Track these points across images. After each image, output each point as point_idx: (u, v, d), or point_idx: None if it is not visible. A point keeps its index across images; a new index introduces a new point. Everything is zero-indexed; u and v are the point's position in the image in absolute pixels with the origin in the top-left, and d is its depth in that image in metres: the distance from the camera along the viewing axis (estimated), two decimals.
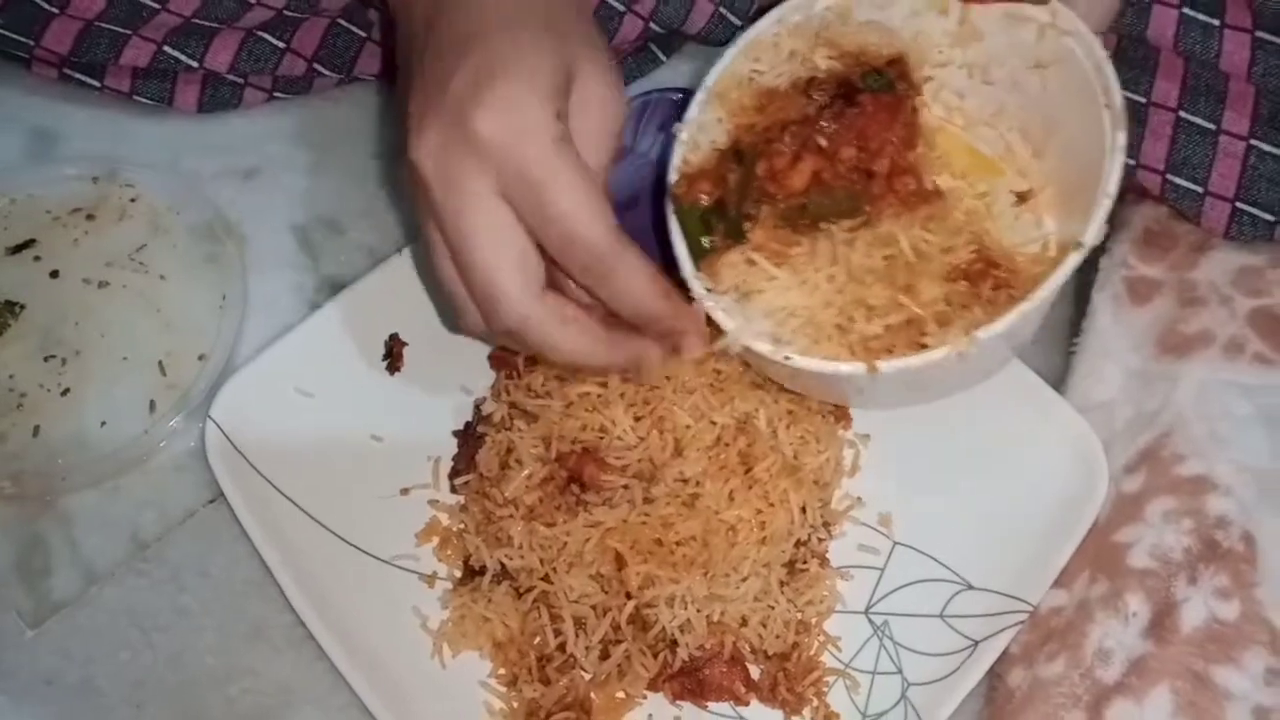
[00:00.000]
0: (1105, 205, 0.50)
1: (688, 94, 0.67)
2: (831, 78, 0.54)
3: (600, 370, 0.54)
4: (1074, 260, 0.49)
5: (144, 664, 0.58)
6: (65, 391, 0.62)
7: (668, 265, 0.53)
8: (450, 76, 0.46)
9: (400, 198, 0.69)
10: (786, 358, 0.50)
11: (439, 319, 0.64)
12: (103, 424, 0.62)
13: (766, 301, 0.52)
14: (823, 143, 0.53)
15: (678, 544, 0.55)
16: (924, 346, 0.49)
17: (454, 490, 0.61)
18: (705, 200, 0.54)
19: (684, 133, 0.55)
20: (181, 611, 0.59)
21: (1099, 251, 0.66)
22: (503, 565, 0.57)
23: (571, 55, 0.48)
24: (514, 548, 0.57)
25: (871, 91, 0.54)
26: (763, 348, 0.50)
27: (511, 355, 0.62)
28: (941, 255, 0.51)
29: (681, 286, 0.52)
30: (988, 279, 0.51)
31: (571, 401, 0.58)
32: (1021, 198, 0.55)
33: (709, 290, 0.52)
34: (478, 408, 0.62)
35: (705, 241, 0.53)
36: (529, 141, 0.45)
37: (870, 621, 0.59)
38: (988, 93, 0.57)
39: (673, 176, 0.54)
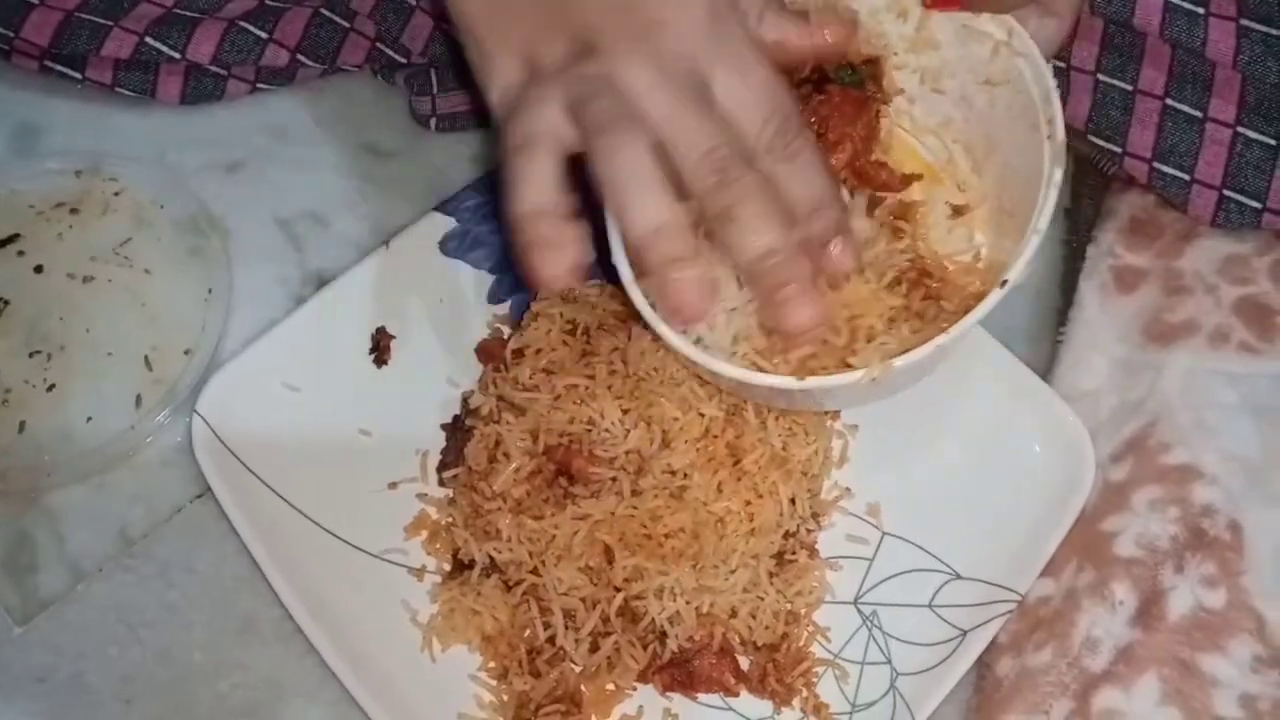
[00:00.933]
0: (1033, 242, 0.49)
1: None
2: (806, 64, 0.54)
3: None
4: (995, 298, 0.49)
5: (133, 660, 0.58)
6: (51, 387, 0.62)
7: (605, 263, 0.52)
8: None
9: (382, 192, 0.68)
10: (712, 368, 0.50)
11: (423, 308, 0.64)
12: (89, 419, 0.61)
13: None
14: None
15: (666, 536, 0.55)
16: (849, 366, 0.50)
17: (442, 484, 0.61)
18: None
19: None
20: (170, 607, 0.59)
21: (1086, 240, 0.66)
22: (491, 559, 0.57)
23: None
24: (502, 541, 0.57)
25: (841, 84, 0.54)
26: (688, 350, 0.50)
27: (499, 348, 0.62)
28: (887, 261, 0.52)
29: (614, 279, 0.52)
30: (920, 288, 0.51)
31: (559, 394, 0.58)
32: (957, 210, 0.56)
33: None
34: (465, 401, 0.62)
35: None
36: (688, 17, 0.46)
37: (859, 612, 0.59)
38: (936, 102, 0.57)
39: None
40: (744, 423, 0.57)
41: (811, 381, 0.49)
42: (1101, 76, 0.63)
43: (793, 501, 0.57)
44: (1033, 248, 0.49)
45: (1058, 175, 0.50)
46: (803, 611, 0.58)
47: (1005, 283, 0.49)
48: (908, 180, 0.56)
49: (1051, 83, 0.52)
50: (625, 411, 0.57)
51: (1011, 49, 0.53)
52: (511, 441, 0.58)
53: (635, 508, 0.55)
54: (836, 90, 0.53)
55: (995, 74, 0.54)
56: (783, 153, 0.48)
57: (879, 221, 0.54)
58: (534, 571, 0.56)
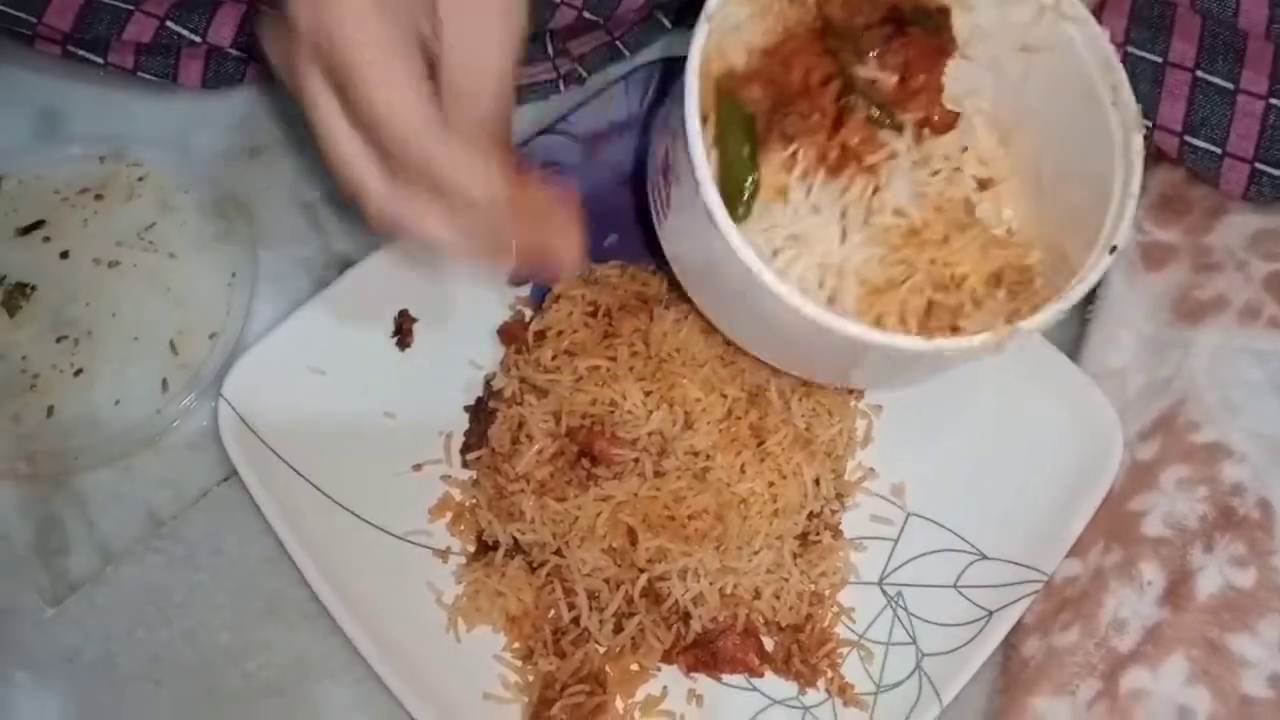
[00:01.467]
0: (1130, 206, 0.48)
1: None
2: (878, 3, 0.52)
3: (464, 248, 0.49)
4: (1106, 262, 0.48)
5: (161, 641, 0.59)
6: (78, 372, 0.62)
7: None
8: None
9: None
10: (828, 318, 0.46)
11: (445, 291, 0.64)
12: (116, 403, 0.62)
13: (812, 251, 0.50)
14: (865, 67, 0.50)
15: (690, 518, 0.55)
16: (956, 330, 0.48)
17: (466, 465, 0.61)
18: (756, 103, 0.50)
19: (712, 20, 0.49)
20: (197, 589, 0.60)
21: None
22: (515, 540, 0.57)
23: None
24: (526, 522, 0.57)
25: (921, 29, 0.51)
26: (811, 309, 0.46)
27: (521, 330, 0.62)
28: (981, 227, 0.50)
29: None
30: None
31: (581, 376, 0.58)
32: (982, 184, 0.54)
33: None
34: (488, 383, 0.62)
35: (748, 177, 0.49)
36: (334, 19, 0.43)
37: (884, 592, 0.59)
38: (963, 68, 0.54)
39: (697, 60, 0.47)
40: (767, 404, 0.57)
41: (942, 342, 0.47)
42: (1131, 49, 0.62)
43: (817, 482, 0.57)
44: (1131, 211, 0.48)
45: (1137, 141, 0.49)
46: (827, 592, 0.58)
47: (1114, 249, 0.48)
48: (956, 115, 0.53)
49: (1109, 48, 0.50)
50: (647, 393, 0.57)
51: (1059, 13, 0.51)
52: (534, 423, 0.58)
53: (658, 489, 0.55)
54: (917, 33, 0.51)
55: (1036, 40, 0.52)
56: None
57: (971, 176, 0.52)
58: (558, 553, 0.57)
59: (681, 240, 0.53)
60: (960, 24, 0.53)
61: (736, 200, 0.50)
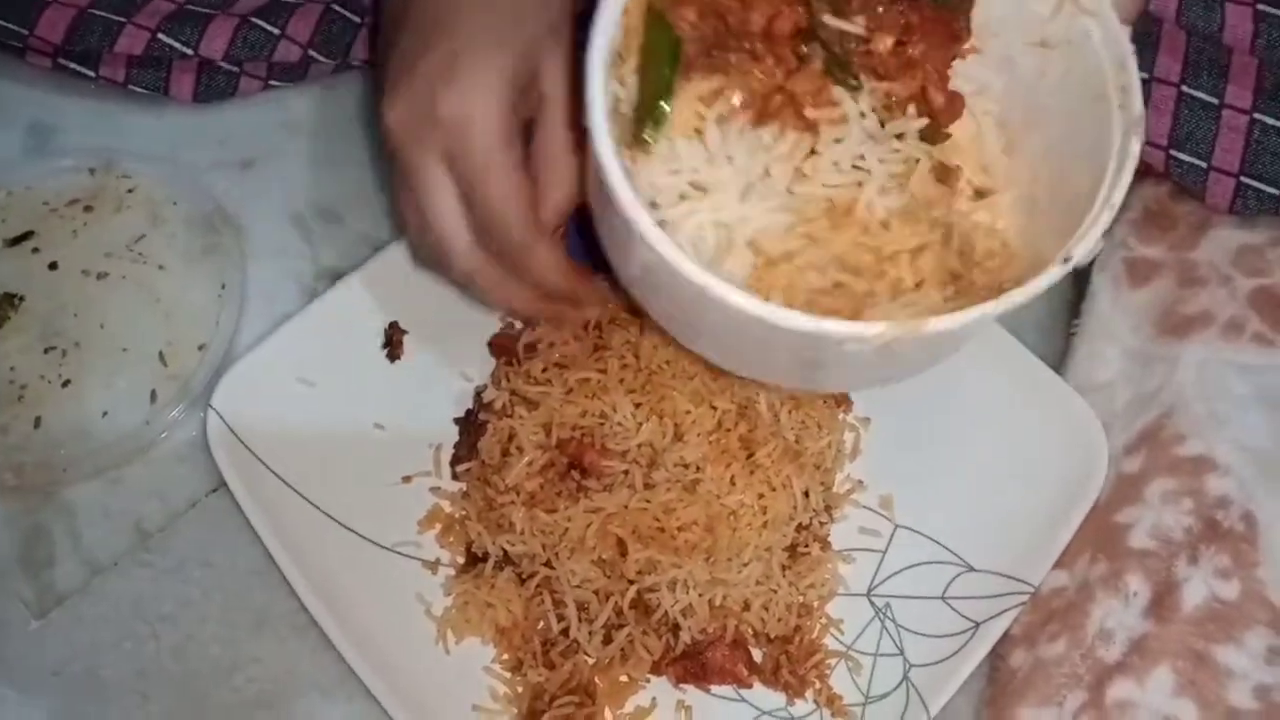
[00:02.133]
0: (1105, 219, 0.43)
1: None
2: None
3: (531, 318, 0.58)
4: (1055, 274, 0.42)
5: (148, 654, 0.58)
6: (66, 383, 0.62)
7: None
8: (422, 54, 0.49)
9: (390, 191, 0.68)
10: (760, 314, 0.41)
11: (435, 303, 0.64)
12: (104, 415, 0.62)
13: (710, 205, 0.44)
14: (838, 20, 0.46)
15: (679, 529, 0.55)
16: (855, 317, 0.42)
17: (455, 478, 0.61)
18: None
19: None
20: (185, 601, 0.59)
21: None
22: (504, 552, 0.57)
23: (536, 47, 0.50)
24: (516, 534, 0.57)
25: (936, 3, 0.47)
26: (736, 297, 0.40)
27: (511, 342, 0.62)
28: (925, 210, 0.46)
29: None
30: (950, 251, 0.46)
31: (571, 388, 0.58)
32: (979, 193, 0.49)
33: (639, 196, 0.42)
34: (479, 395, 0.62)
35: (659, 102, 0.44)
36: (476, 131, 0.48)
37: (872, 604, 0.59)
38: (972, 64, 0.49)
39: None
40: (756, 416, 0.57)
41: (828, 324, 0.40)
42: None
43: (806, 494, 0.57)
44: (1104, 224, 0.43)
45: (1135, 147, 0.44)
46: (815, 604, 0.58)
47: (1069, 259, 0.42)
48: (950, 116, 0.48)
49: (1128, 47, 0.45)
50: (637, 405, 0.57)
51: (1079, 6, 0.46)
52: (524, 435, 0.58)
53: (648, 500, 0.55)
54: (929, 6, 0.47)
55: (1053, 35, 0.47)
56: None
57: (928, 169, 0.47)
58: (547, 564, 0.57)
59: (595, 198, 0.49)
60: (975, 14, 0.48)
61: (643, 125, 0.44)
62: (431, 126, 0.48)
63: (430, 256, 0.53)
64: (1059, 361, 0.63)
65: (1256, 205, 0.62)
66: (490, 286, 0.53)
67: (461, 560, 0.60)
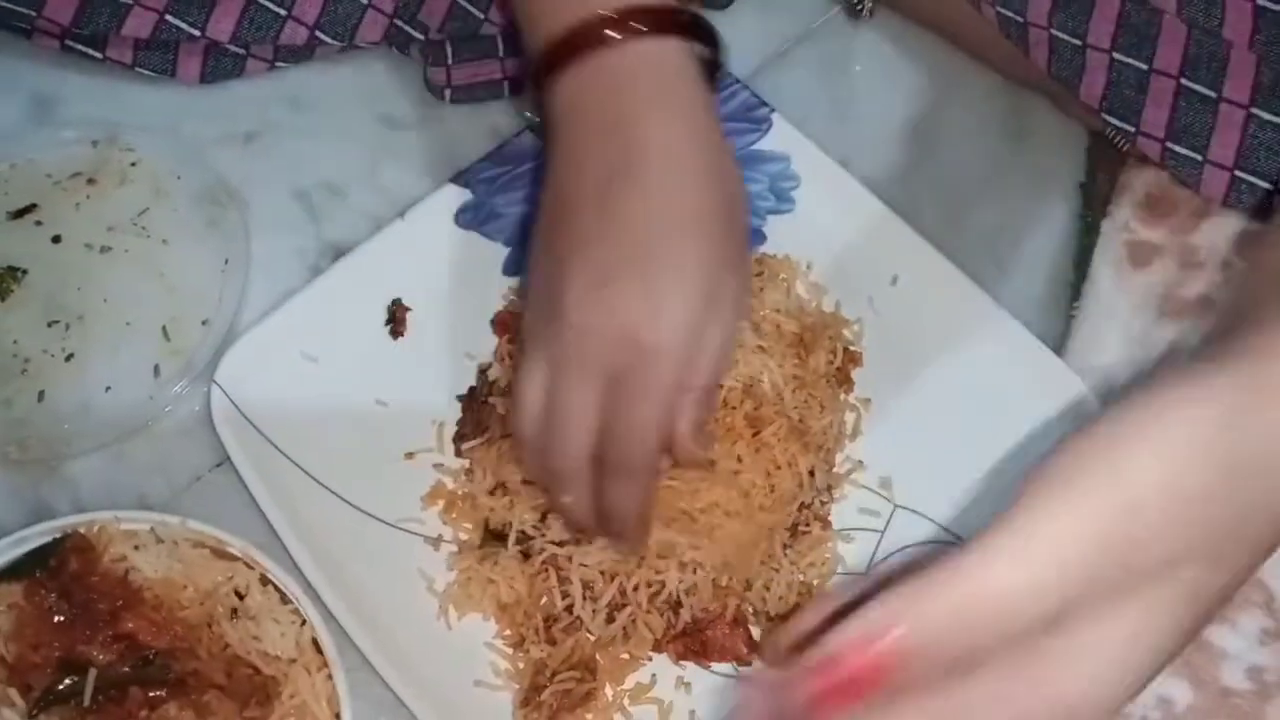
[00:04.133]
0: None
1: None
2: None
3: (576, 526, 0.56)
4: None
5: None
6: (69, 357, 0.62)
7: None
8: (629, 274, 0.49)
9: (398, 164, 0.69)
10: None
11: (438, 280, 0.64)
12: (107, 389, 0.62)
13: None
14: None
15: (701, 511, 0.56)
16: None
17: (459, 454, 0.61)
18: None
19: None
20: None
21: (1100, 215, 0.66)
22: (524, 531, 0.58)
23: (721, 274, 0.50)
24: (535, 513, 0.57)
25: None
26: None
27: (515, 319, 0.62)
28: None
29: None
30: None
31: None
32: None
33: None
34: (483, 373, 0.62)
35: None
36: (659, 370, 0.49)
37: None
38: None
39: None
40: (761, 395, 0.58)
41: None
42: (1117, 55, 0.63)
43: (811, 473, 0.58)
44: None
45: None
46: (815, 582, 0.59)
47: None
48: None
49: None
50: None
51: None
52: None
53: (674, 480, 0.56)
54: None
55: None
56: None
57: None
58: (558, 543, 0.57)
59: None
60: None
61: None
62: (616, 348, 0.49)
63: (517, 431, 0.53)
64: (1059, 343, 0.63)
65: (1250, 199, 0.63)
66: (571, 496, 0.53)
67: (464, 536, 0.60)
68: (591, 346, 0.49)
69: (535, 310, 0.52)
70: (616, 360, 0.49)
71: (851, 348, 0.63)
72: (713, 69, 0.54)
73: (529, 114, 0.56)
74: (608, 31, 0.51)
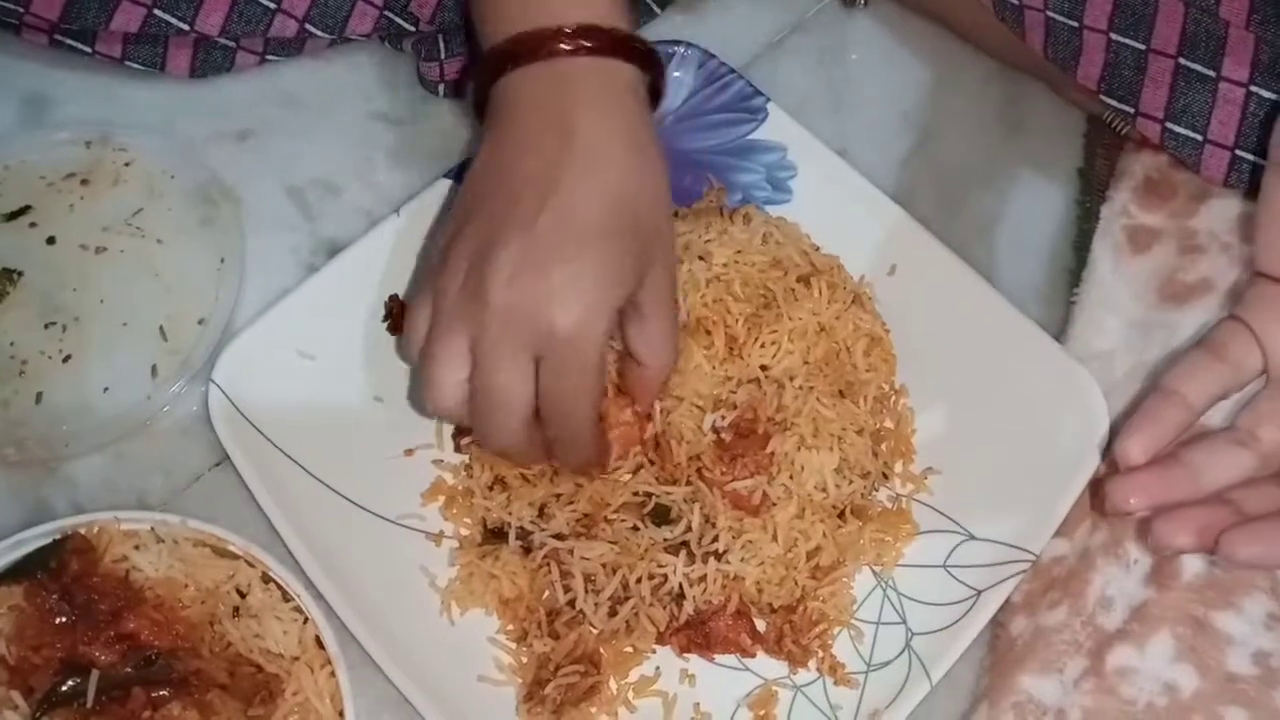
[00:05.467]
0: None
1: (682, 45, 0.68)
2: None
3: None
4: None
5: None
6: (67, 358, 0.62)
7: None
8: (557, 260, 0.51)
9: (392, 160, 0.69)
10: None
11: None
12: (105, 390, 0.62)
13: None
14: None
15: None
16: None
17: (458, 450, 0.61)
18: None
19: None
20: None
21: (1099, 200, 0.66)
22: (523, 528, 0.58)
23: (647, 265, 0.53)
24: (534, 509, 0.58)
25: None
26: None
27: None
28: None
29: None
30: None
31: None
32: None
33: None
34: None
35: None
36: (581, 350, 0.52)
37: (874, 573, 0.59)
38: None
39: None
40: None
41: None
42: (1114, 36, 0.63)
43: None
44: None
45: None
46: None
47: None
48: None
49: None
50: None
51: None
52: None
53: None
54: None
55: None
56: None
57: None
58: (558, 536, 0.57)
59: None
60: None
61: None
62: (540, 334, 0.51)
63: (440, 410, 0.54)
64: (1059, 330, 0.63)
65: (1251, 178, 0.63)
66: (515, 452, 0.55)
67: (465, 532, 0.60)
68: (517, 327, 0.51)
69: (450, 281, 0.53)
70: (539, 343, 0.51)
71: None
72: (655, 95, 0.58)
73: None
74: (561, 45, 0.54)
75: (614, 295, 0.52)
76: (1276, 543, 0.48)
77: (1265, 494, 0.51)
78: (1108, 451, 0.59)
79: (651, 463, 0.58)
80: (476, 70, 0.57)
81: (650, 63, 0.57)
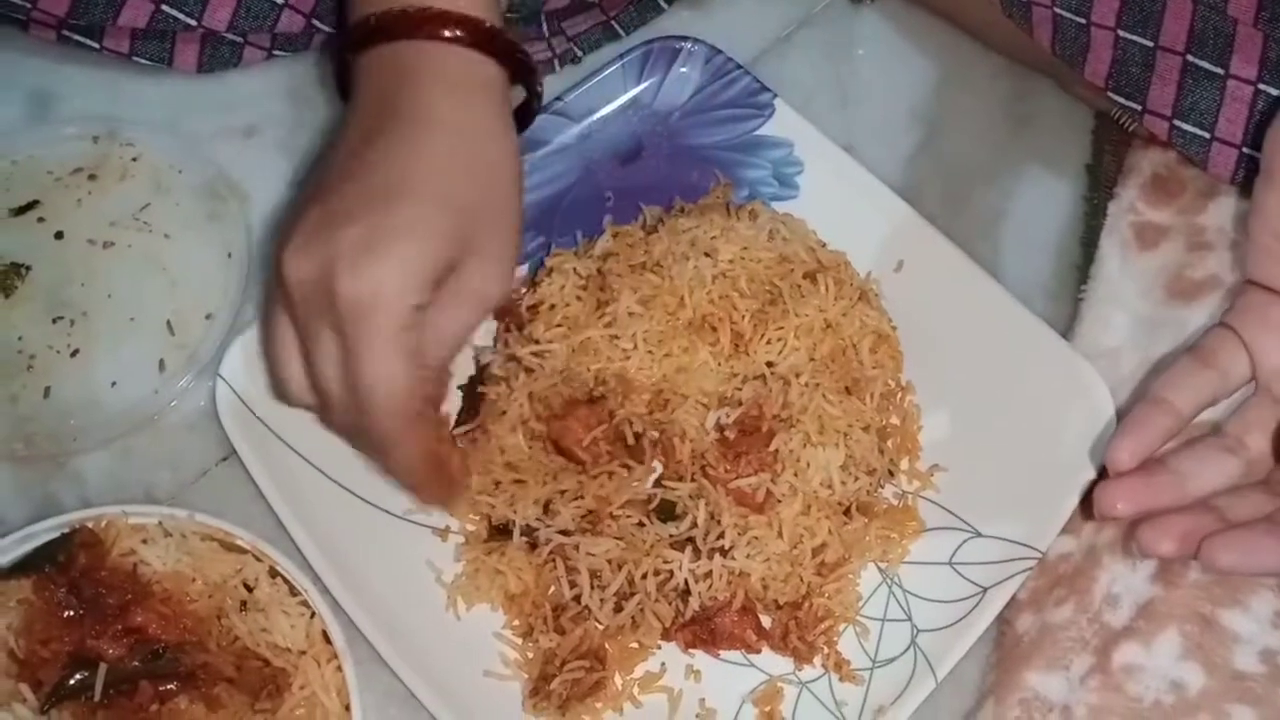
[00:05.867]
0: None
1: (689, 41, 0.68)
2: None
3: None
4: None
5: None
6: (74, 353, 0.62)
7: None
8: (342, 223, 0.49)
9: None
10: None
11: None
12: (113, 384, 0.62)
13: None
14: None
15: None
16: None
17: (456, 443, 0.61)
18: None
19: None
20: None
21: (1107, 197, 0.66)
22: (529, 525, 0.58)
23: (465, 242, 0.51)
24: (536, 506, 0.58)
25: None
26: None
27: (514, 305, 0.62)
28: None
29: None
30: None
31: (575, 349, 0.59)
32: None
33: None
34: (476, 360, 0.62)
35: None
36: (373, 320, 0.48)
37: (880, 570, 0.59)
38: None
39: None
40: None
41: None
42: (1122, 33, 0.62)
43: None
44: None
45: None
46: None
47: None
48: None
49: None
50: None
51: None
52: (514, 407, 0.59)
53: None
54: None
55: None
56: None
57: None
58: (564, 532, 0.57)
59: None
60: None
61: None
62: (328, 300, 0.48)
63: (296, 405, 0.54)
64: (1066, 327, 0.63)
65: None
66: (360, 449, 0.54)
67: (471, 528, 0.60)
68: (311, 300, 0.49)
69: (275, 256, 0.52)
70: (331, 314, 0.49)
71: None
72: (526, 109, 0.58)
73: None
74: (439, 29, 0.53)
75: (413, 259, 0.49)
76: (1256, 550, 0.48)
77: (1251, 501, 0.51)
78: None
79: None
80: (338, 43, 0.56)
81: (524, 72, 0.56)
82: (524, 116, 0.59)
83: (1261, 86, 0.61)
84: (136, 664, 0.53)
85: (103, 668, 0.52)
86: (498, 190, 0.54)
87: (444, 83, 0.53)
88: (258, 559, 0.56)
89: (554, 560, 0.57)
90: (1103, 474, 0.58)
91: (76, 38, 0.66)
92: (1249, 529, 0.49)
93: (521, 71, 0.56)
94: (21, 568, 0.55)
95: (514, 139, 0.55)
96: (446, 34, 0.53)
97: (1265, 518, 0.49)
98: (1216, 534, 0.48)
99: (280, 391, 0.53)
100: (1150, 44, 0.62)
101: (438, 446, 0.53)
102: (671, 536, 0.56)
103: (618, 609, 0.56)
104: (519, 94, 0.58)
